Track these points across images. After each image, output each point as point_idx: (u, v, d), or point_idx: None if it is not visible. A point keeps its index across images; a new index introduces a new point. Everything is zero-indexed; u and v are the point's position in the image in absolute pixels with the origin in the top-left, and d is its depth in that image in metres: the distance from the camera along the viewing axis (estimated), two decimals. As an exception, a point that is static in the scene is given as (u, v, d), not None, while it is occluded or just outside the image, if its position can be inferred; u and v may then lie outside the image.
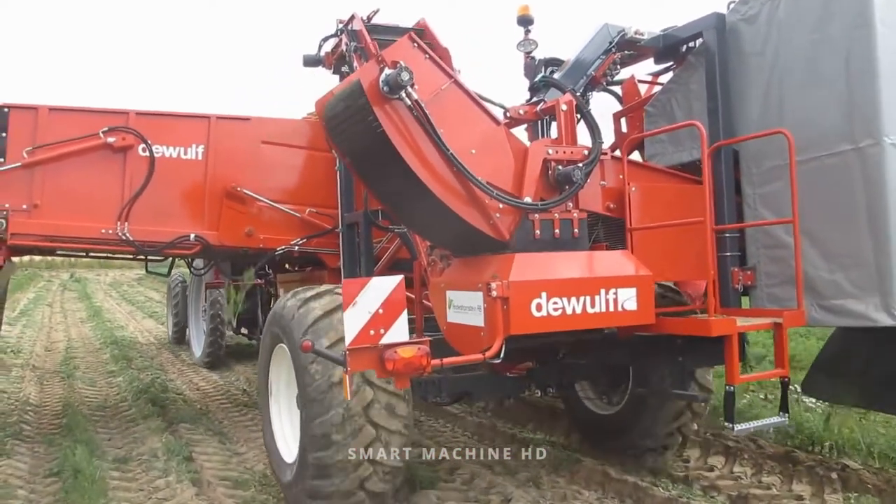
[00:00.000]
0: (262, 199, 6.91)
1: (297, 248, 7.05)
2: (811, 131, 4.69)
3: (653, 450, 5.99)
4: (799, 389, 5.61)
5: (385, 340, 3.72)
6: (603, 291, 4.26)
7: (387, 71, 4.01)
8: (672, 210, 4.82)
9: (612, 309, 4.28)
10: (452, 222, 4.34)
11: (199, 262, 9.24)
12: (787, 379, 4.51)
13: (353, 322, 3.69)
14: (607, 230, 5.02)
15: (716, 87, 5.15)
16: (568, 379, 6.15)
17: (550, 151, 4.55)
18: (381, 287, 3.75)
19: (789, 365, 4.55)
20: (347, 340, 3.68)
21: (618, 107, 6.57)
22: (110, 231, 6.35)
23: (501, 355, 4.08)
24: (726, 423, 4.35)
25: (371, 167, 4.51)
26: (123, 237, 6.36)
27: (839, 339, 5.23)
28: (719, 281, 5.02)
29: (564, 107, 4.69)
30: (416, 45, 4.31)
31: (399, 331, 3.76)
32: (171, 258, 8.60)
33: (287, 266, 9.25)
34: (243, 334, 12.62)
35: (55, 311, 22.93)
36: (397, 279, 3.80)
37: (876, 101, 4.37)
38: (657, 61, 5.86)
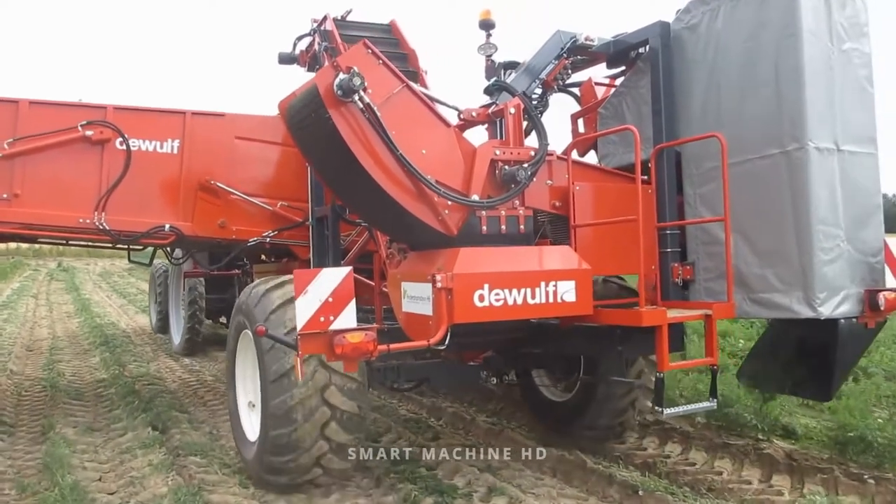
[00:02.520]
0: (234, 192, 7.17)
1: (268, 239, 7.31)
2: (745, 135, 5.00)
3: (605, 434, 6.31)
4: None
5: (334, 326, 4.04)
6: (543, 284, 4.57)
7: (341, 76, 4.28)
8: (616, 208, 5.12)
9: (551, 300, 4.59)
10: (404, 218, 4.64)
11: (178, 252, 9.49)
12: (716, 367, 4.83)
13: (305, 309, 4.00)
14: (554, 226, 5.32)
15: (660, 91, 5.44)
16: (523, 367, 6.47)
17: (498, 152, 4.85)
18: (331, 277, 4.07)
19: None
20: (299, 326, 3.99)
21: (577, 108, 6.86)
22: (87, 220, 6.60)
23: (446, 342, 4.40)
24: (656, 407, 4.67)
25: (329, 165, 4.81)
26: (100, 226, 6.62)
27: (773, 330, 5.55)
28: (660, 275, 5.34)
29: (512, 110, 4.99)
30: (370, 51, 4.58)
31: (347, 317, 4.07)
32: (153, 248, 8.84)
33: (263, 257, 9.52)
34: (222, 323, 12.92)
35: (40, 303, 21.50)
36: (346, 270, 4.11)
37: (802, 107, 4.68)
38: (609, 66, 6.14)
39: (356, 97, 4.30)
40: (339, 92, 4.28)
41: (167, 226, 6.92)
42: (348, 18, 7.69)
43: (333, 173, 4.85)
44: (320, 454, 4.82)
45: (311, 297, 4.00)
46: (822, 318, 4.61)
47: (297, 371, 4.06)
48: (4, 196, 6.39)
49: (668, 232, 5.34)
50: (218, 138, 7.20)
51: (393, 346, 4.31)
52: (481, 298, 4.41)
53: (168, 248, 8.62)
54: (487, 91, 5.59)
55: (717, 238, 5.16)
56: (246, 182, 7.31)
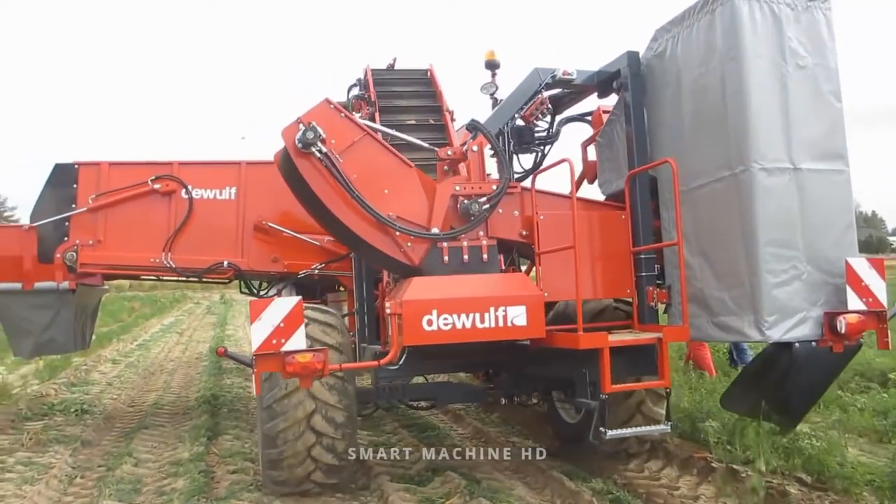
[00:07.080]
0: (285, 230, 8.02)
1: (316, 271, 8.07)
2: (704, 158, 5.05)
3: (615, 456, 6.34)
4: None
5: (286, 348, 4.61)
6: (493, 309, 4.87)
7: (301, 130, 4.91)
8: (583, 236, 5.29)
9: (501, 324, 4.87)
10: (372, 251, 5.16)
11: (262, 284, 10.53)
12: (668, 389, 4.86)
13: (259, 333, 4.61)
14: (526, 254, 5.59)
15: (631, 118, 5.59)
16: (531, 388, 6.68)
17: (458, 188, 5.24)
18: (283, 306, 4.66)
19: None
20: (254, 348, 4.60)
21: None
22: (157, 260, 7.71)
23: (399, 363, 4.84)
24: (600, 428, 4.79)
25: (309, 207, 5.44)
26: (168, 265, 7.70)
27: (765, 355, 5.39)
28: (636, 299, 5.44)
29: (475, 148, 5.37)
30: (332, 106, 5.18)
31: (297, 340, 4.63)
32: (261, 281, 9.86)
33: (339, 288, 10.34)
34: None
35: (181, 341, 19.58)
36: (295, 300, 4.69)
37: (746, 129, 4.70)
38: (600, 96, 6.31)
39: (314, 149, 4.90)
40: (299, 145, 4.91)
41: (226, 262, 7.87)
42: (395, 66, 8.46)
43: (314, 214, 5.47)
44: (308, 472, 5.33)
45: (265, 323, 4.60)
46: (771, 341, 4.54)
47: (256, 386, 4.67)
48: (90, 242, 7.64)
49: (643, 256, 5.43)
50: (270, 183, 8.02)
51: (344, 365, 4.82)
52: (429, 323, 4.79)
53: (247, 280, 9.64)
54: (468, 129, 5.98)
55: (688, 262, 5.19)
56: (295, 220, 8.11)
